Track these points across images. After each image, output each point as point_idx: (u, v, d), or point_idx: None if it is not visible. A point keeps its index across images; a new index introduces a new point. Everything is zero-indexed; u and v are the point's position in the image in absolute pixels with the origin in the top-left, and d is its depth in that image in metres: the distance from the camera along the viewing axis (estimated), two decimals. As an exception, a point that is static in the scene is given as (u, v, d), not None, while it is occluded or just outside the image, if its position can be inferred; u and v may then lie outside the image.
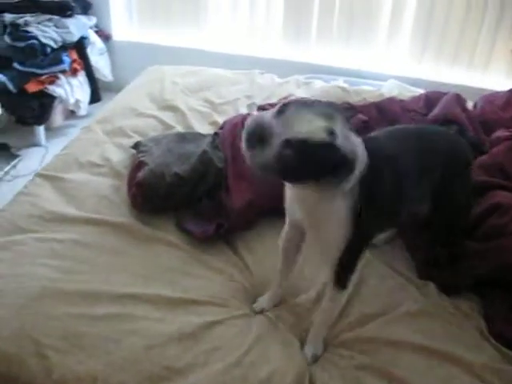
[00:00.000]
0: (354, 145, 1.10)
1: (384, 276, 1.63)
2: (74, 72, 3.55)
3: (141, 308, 1.45)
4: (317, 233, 1.31)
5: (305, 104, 1.11)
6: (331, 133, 1.05)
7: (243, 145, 1.09)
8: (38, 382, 1.29)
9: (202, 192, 1.82)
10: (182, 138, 2.02)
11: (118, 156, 2.08)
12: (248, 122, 1.10)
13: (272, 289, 1.53)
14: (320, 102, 1.16)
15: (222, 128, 2.11)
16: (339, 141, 1.06)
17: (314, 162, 1.06)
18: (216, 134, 2.03)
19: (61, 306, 1.43)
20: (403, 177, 1.35)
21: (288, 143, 1.04)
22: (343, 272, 1.31)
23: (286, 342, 1.42)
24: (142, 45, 4.08)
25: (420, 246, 1.68)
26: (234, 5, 3.87)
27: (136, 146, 2.03)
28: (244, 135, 1.09)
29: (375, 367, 1.33)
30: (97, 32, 3.89)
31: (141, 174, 1.79)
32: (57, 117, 3.60)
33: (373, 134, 1.52)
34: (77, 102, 3.59)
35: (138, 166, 1.87)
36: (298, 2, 3.73)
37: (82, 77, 3.65)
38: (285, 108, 1.09)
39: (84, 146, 2.16)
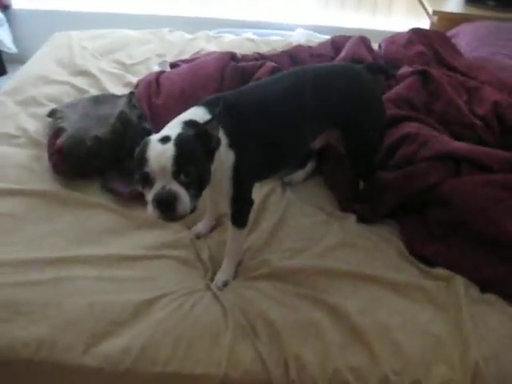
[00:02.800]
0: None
1: (306, 213, 1.73)
2: (-25, 45, 3.40)
3: (77, 269, 1.48)
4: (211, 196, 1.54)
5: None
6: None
7: (160, 216, 1.21)
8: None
9: (124, 152, 1.82)
10: (97, 100, 2.02)
11: (34, 125, 2.05)
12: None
13: (205, 218, 1.67)
14: None
15: (136, 87, 2.12)
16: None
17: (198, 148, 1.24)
18: (132, 93, 2.04)
19: (-4, 277, 1.44)
20: (284, 123, 1.47)
21: (176, 168, 1.19)
22: (237, 213, 1.46)
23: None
24: (44, 12, 3.95)
25: (340, 182, 1.79)
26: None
27: (52, 113, 2.01)
28: (155, 210, 1.20)
29: (310, 296, 1.43)
30: (-6, 1, 3.73)
31: (60, 141, 1.78)
32: (-40, 93, 3.45)
33: (255, 82, 1.68)
34: (-19, 76, 3.45)
35: (56, 133, 1.86)
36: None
37: (-17, 50, 3.51)
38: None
39: (-4, 118, 2.12)
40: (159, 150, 1.20)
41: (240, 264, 1.55)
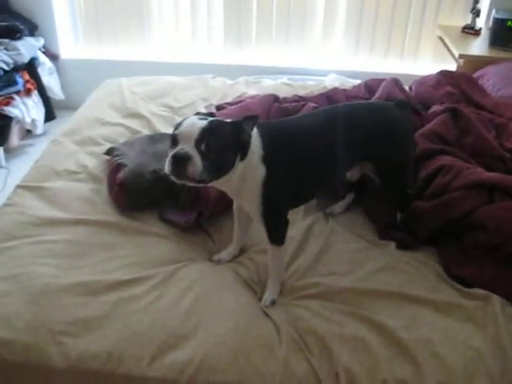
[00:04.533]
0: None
1: (348, 241, 1.84)
2: (28, 92, 3.63)
3: (140, 290, 1.59)
4: (242, 206, 1.65)
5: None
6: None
7: (171, 172, 1.37)
8: (57, 365, 1.42)
9: (179, 185, 1.95)
10: (153, 139, 2.18)
11: (93, 162, 2.21)
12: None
13: (231, 245, 1.80)
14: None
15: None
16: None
17: (225, 136, 1.40)
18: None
19: (65, 297, 1.56)
20: (317, 153, 1.60)
21: (200, 137, 1.35)
22: (271, 231, 1.58)
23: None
24: (90, 61, 4.20)
25: (378, 212, 1.90)
26: (175, 17, 4.05)
27: (110, 151, 2.17)
28: (168, 165, 1.36)
29: (355, 313, 1.53)
30: (44, 52, 3.98)
31: (121, 175, 1.93)
32: (14, 137, 3.66)
33: (295, 115, 1.82)
34: (33, 121, 3.67)
35: (115, 168, 2.01)
36: (237, 8, 3.95)
37: (35, 96, 3.74)
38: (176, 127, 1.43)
39: (56, 156, 2.28)
40: (193, 121, 1.40)
41: (287, 284, 1.66)
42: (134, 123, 2.52)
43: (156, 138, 2.19)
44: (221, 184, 1.52)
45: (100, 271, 1.66)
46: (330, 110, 1.75)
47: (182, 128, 1.40)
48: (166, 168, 1.37)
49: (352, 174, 1.86)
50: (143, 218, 1.91)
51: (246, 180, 1.49)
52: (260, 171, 1.49)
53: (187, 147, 1.35)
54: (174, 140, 1.39)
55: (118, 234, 1.83)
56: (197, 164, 1.34)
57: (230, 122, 1.45)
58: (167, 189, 1.92)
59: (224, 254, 1.79)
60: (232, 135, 1.42)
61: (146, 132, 2.41)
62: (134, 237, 1.82)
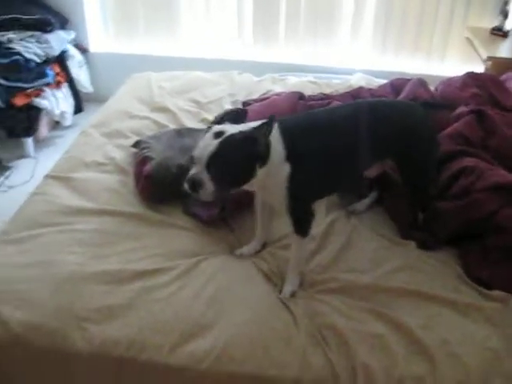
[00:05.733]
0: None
1: (369, 239, 1.85)
2: (58, 84, 3.70)
3: (163, 279, 1.63)
4: (266, 200, 1.71)
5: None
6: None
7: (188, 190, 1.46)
8: (81, 350, 1.46)
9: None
10: (179, 133, 2.22)
11: (120, 154, 2.26)
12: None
13: (253, 240, 1.83)
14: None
15: (214, 123, 2.31)
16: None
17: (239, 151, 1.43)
18: (209, 127, 2.22)
19: (91, 284, 1.61)
20: (339, 148, 1.62)
21: (210, 161, 1.41)
22: (297, 223, 1.61)
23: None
24: (119, 55, 4.25)
25: (400, 211, 1.91)
26: (205, 11, 4.08)
27: (137, 144, 2.21)
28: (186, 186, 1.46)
29: (374, 310, 1.55)
30: (75, 45, 4.05)
31: (148, 168, 1.97)
32: (43, 128, 3.73)
33: (319, 109, 1.86)
34: (62, 113, 3.74)
35: (142, 161, 2.05)
36: (266, 4, 3.97)
37: (65, 89, 3.81)
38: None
39: (85, 148, 2.34)
40: (207, 142, 1.44)
41: (307, 278, 1.68)
42: (161, 117, 2.55)
43: (182, 132, 2.23)
44: (244, 187, 1.55)
45: (125, 261, 1.70)
46: (354, 105, 1.78)
47: (197, 150, 1.46)
48: (185, 186, 1.46)
49: (371, 171, 1.87)
50: (168, 210, 1.94)
51: (270, 178, 1.52)
52: (284, 169, 1.52)
53: (200, 171, 1.43)
54: (192, 161, 1.47)
55: (143, 226, 1.87)
56: (208, 188, 1.42)
57: (243, 137, 1.44)
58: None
59: (246, 249, 1.82)
60: (246, 150, 1.44)
61: (172, 126, 2.44)
62: (158, 228, 1.86)
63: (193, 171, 1.45)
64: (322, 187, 1.69)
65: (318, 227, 1.83)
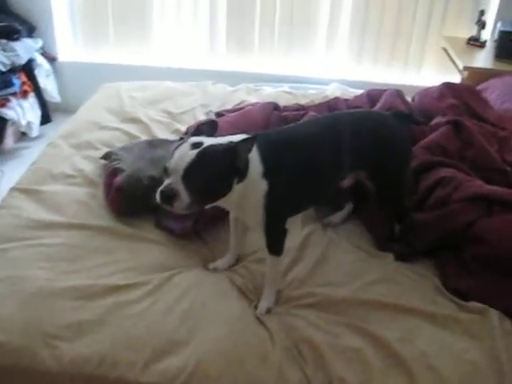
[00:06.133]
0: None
1: (346, 251, 1.88)
2: (25, 94, 3.69)
3: (135, 295, 1.63)
4: (241, 218, 1.73)
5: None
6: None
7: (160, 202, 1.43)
8: (49, 368, 1.45)
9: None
10: (151, 144, 2.23)
11: (89, 166, 2.26)
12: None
13: (227, 253, 1.84)
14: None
15: (186, 133, 2.33)
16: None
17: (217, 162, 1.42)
18: (182, 138, 2.24)
19: (60, 300, 1.60)
20: (317, 161, 1.64)
21: (187, 172, 1.39)
22: (272, 242, 1.63)
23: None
24: (88, 65, 4.25)
25: (376, 223, 1.95)
26: (177, 21, 4.11)
27: (107, 155, 2.22)
28: (158, 198, 1.43)
29: (351, 324, 1.57)
30: (42, 54, 4.04)
31: (118, 180, 1.97)
32: (9, 139, 3.70)
33: (294, 124, 1.85)
34: (28, 123, 3.72)
35: (112, 173, 2.05)
36: (240, 14, 4.02)
37: (32, 99, 3.80)
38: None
39: (53, 159, 2.33)
40: (183, 153, 1.42)
41: (283, 294, 1.70)
42: (132, 128, 2.56)
43: (154, 143, 2.24)
44: (218, 204, 1.56)
45: (95, 276, 1.70)
46: (330, 118, 1.82)
47: (172, 161, 1.43)
48: (157, 198, 1.43)
49: (346, 181, 1.88)
50: (139, 223, 1.95)
51: (246, 196, 1.53)
52: (262, 187, 1.53)
53: (175, 182, 1.40)
54: (166, 171, 1.45)
55: (113, 239, 1.87)
56: (183, 200, 1.39)
57: (223, 149, 1.44)
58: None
59: (220, 263, 1.83)
60: (225, 163, 1.43)
61: (144, 137, 2.45)
62: (129, 242, 1.86)
63: (166, 182, 1.43)
64: (300, 202, 1.71)
65: (293, 240, 1.85)
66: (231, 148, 1.43)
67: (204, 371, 1.43)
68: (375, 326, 1.56)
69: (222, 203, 1.56)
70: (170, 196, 1.40)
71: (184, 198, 1.39)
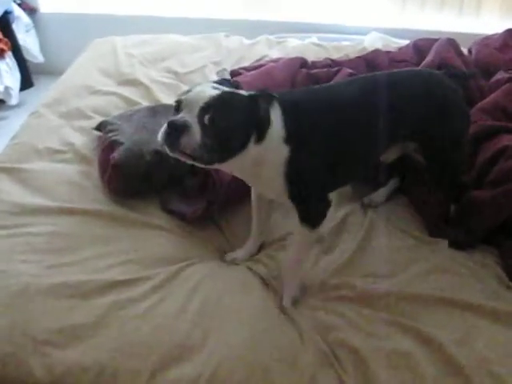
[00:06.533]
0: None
1: (391, 237, 1.89)
2: (1, 53, 3.70)
3: (138, 292, 1.66)
4: (263, 192, 1.73)
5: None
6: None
7: (164, 142, 1.41)
8: (39, 379, 1.48)
9: (184, 169, 2.01)
10: (154, 111, 2.24)
11: (81, 139, 2.28)
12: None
13: (248, 241, 1.86)
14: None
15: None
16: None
17: (237, 113, 1.44)
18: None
19: (50, 300, 1.62)
20: (350, 129, 1.65)
21: (206, 107, 1.39)
22: (307, 211, 1.63)
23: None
24: (75, 16, 4.26)
25: (428, 203, 1.95)
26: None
27: (101, 126, 2.23)
28: (162, 133, 1.42)
29: (397, 323, 1.58)
30: (20, 5, 4.04)
31: (116, 155, 1.98)
32: (-16, 108, 3.75)
33: (325, 84, 1.86)
34: (6, 88, 3.76)
35: (109, 146, 2.07)
36: None
37: (9, 59, 3.81)
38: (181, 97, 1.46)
39: (37, 132, 2.35)
40: (203, 88, 1.45)
41: (316, 280, 1.73)
42: (130, 92, 2.58)
43: (158, 110, 2.24)
44: (229, 168, 1.58)
45: (90, 270, 1.73)
46: (367, 79, 1.81)
47: (189, 93, 1.45)
48: (159, 136, 1.42)
49: (389, 155, 1.89)
50: (142, 207, 1.97)
51: (263, 163, 1.54)
52: (282, 152, 1.54)
53: (188, 116, 1.39)
54: (177, 107, 1.45)
55: (111, 226, 1.89)
56: (194, 136, 1.38)
57: (246, 96, 1.48)
58: (171, 172, 1.99)
59: (239, 253, 1.85)
60: (247, 111, 1.46)
61: (145, 103, 2.47)
62: (130, 229, 1.88)
63: (175, 116, 1.42)
64: (333, 176, 1.70)
65: (326, 224, 1.85)
66: (254, 96, 1.48)
67: (222, 381, 1.45)
68: (428, 325, 1.57)
69: (234, 169, 1.58)
70: (179, 127, 1.38)
71: (195, 134, 1.38)
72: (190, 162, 1.44)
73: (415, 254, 1.83)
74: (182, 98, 1.44)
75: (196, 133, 1.38)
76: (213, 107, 1.39)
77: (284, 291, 1.68)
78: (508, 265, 1.76)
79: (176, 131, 1.38)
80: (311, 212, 1.63)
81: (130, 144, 2.02)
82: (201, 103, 1.39)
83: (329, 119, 1.61)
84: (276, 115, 1.53)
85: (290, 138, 1.54)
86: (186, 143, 1.38)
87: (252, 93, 1.50)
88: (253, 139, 1.49)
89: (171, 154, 1.43)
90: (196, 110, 1.39)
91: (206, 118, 1.39)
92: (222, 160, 1.47)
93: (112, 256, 1.78)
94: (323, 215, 1.64)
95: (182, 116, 1.40)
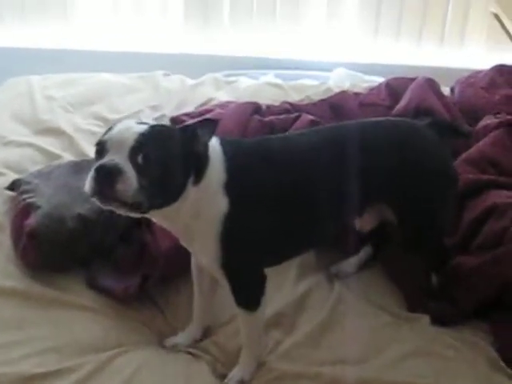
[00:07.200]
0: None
1: (363, 314, 1.91)
2: None
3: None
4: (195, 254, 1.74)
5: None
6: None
7: (93, 192, 1.43)
8: None
9: (115, 236, 2.03)
10: (79, 167, 2.24)
11: (-11, 201, 2.26)
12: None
13: (191, 324, 1.86)
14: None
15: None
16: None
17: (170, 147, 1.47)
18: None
19: None
20: (308, 186, 1.67)
21: (137, 145, 1.41)
22: (240, 290, 1.65)
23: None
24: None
25: (406, 272, 1.98)
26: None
27: (14, 185, 2.23)
28: (90, 181, 1.43)
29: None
30: None
31: (32, 221, 1.98)
32: None
33: (281, 134, 1.93)
34: None
35: (24, 210, 2.06)
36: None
37: None
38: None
39: None
40: (129, 125, 1.47)
41: (270, 365, 1.72)
42: (50, 143, 2.59)
43: (83, 165, 2.23)
44: (165, 217, 1.58)
45: (1, 361, 1.70)
46: (331, 129, 1.85)
47: (113, 132, 1.46)
48: (87, 186, 1.42)
49: (365, 222, 1.93)
50: (63, 283, 1.96)
51: (199, 214, 1.55)
52: (220, 203, 1.55)
53: (118, 158, 1.40)
54: (101, 149, 1.45)
55: (26, 307, 1.87)
56: (129, 180, 1.38)
57: (179, 128, 1.52)
58: (97, 241, 1.99)
59: (181, 337, 1.84)
60: (182, 145, 1.48)
61: (67, 157, 2.47)
62: (50, 311, 1.87)
63: (104, 159, 1.43)
64: (280, 243, 1.71)
65: (285, 298, 1.88)
66: (189, 127, 1.51)
67: None
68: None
69: (169, 219, 1.58)
70: (111, 174, 1.38)
71: (131, 177, 1.38)
72: (125, 212, 1.45)
73: (392, 333, 1.84)
74: (105, 138, 1.46)
75: (131, 176, 1.38)
76: (145, 145, 1.41)
77: (236, 370, 1.69)
78: (500, 343, 1.78)
79: (107, 177, 1.38)
80: (245, 292, 1.66)
81: (48, 208, 2.01)
82: (131, 141, 1.41)
83: (280, 173, 1.64)
84: (216, 155, 1.55)
85: (231, 186, 1.55)
86: (121, 190, 1.38)
87: (187, 124, 1.55)
88: (191, 180, 1.51)
89: (103, 206, 1.45)
90: (126, 150, 1.41)
91: (140, 157, 1.40)
92: (162, 205, 1.48)
93: (27, 344, 1.76)
94: (260, 293, 1.65)
95: (110, 159, 1.40)
